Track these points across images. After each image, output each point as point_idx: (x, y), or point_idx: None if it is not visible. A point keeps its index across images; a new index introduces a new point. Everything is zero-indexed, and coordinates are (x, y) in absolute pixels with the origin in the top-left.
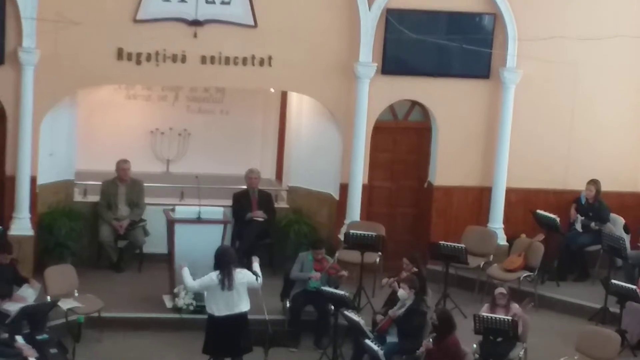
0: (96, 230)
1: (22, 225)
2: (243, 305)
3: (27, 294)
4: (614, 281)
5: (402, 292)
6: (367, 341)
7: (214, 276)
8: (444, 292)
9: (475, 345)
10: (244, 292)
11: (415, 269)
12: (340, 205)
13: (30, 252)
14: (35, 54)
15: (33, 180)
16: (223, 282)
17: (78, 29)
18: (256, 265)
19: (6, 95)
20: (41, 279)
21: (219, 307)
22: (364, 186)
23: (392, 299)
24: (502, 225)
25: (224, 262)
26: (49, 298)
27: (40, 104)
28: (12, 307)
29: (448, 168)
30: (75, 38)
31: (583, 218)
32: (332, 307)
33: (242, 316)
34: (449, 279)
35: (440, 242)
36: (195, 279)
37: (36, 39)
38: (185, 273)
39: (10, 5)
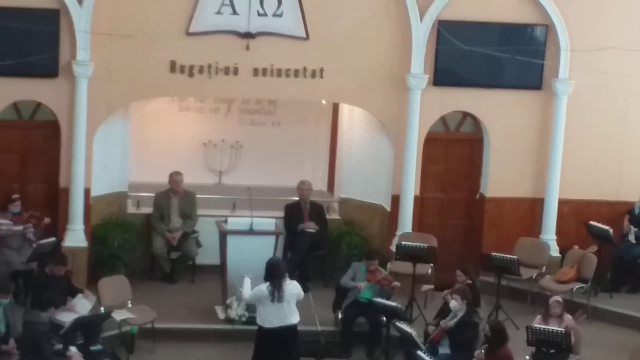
0: (149, 242)
1: (76, 237)
2: (293, 318)
3: (81, 305)
4: None
5: (454, 304)
6: (419, 352)
7: (263, 288)
8: (496, 304)
9: (527, 357)
10: (294, 304)
11: (468, 281)
12: (391, 217)
13: (84, 263)
14: (89, 66)
15: (87, 192)
16: (273, 294)
17: (131, 41)
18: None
19: (60, 108)
20: (95, 290)
21: (269, 319)
22: (415, 197)
23: (444, 310)
24: (555, 237)
25: (275, 274)
26: (102, 309)
27: (94, 116)
28: (66, 318)
29: (500, 179)
30: (129, 51)
31: (636, 229)
32: (384, 319)
33: (292, 328)
34: (501, 291)
35: (492, 253)
36: (247, 276)
37: (90, 51)
38: (247, 284)
39: (64, 18)
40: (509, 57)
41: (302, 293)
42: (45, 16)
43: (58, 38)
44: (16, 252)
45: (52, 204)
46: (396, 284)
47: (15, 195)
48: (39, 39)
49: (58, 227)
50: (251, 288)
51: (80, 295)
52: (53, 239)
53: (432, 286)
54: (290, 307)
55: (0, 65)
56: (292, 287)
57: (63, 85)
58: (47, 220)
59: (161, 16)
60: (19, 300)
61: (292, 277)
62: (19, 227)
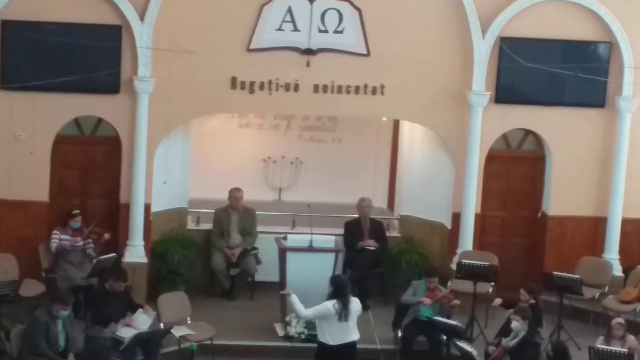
0: (209, 258)
1: (136, 253)
2: (354, 334)
3: (141, 321)
4: None
5: (515, 323)
6: None
7: (329, 305)
8: (558, 324)
9: None
10: (355, 321)
11: (532, 300)
12: (452, 235)
13: (144, 279)
14: (150, 82)
15: (147, 207)
16: (341, 312)
17: (192, 58)
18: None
19: (121, 124)
20: (154, 306)
21: (334, 336)
22: (476, 215)
23: (505, 330)
24: (618, 256)
25: (343, 292)
26: (162, 325)
27: (155, 132)
28: (126, 334)
29: (562, 198)
30: (190, 67)
31: None
32: (445, 337)
33: (352, 345)
34: (563, 310)
35: (554, 272)
36: (307, 307)
37: (151, 67)
38: (294, 300)
39: (126, 34)
40: (572, 74)
41: (361, 308)
42: (108, 32)
43: (120, 54)
44: (76, 268)
45: (113, 220)
46: (456, 302)
47: (76, 211)
48: (101, 55)
49: (118, 243)
50: (299, 302)
51: (140, 310)
52: (113, 254)
53: (501, 300)
54: (353, 324)
55: (62, 81)
56: (355, 304)
57: (124, 101)
58: (107, 236)
59: (222, 32)
60: (79, 315)
61: (353, 295)
62: (80, 243)
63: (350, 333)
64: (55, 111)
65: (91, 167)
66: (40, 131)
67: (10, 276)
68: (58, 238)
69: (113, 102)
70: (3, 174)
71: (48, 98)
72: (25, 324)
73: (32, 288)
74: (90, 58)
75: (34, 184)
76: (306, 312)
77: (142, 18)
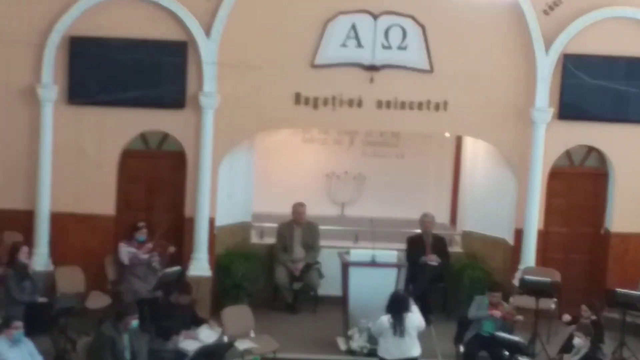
0: (272, 272)
1: (200, 266)
2: (414, 350)
3: (206, 335)
4: None
5: (577, 340)
6: None
7: (385, 319)
8: (621, 341)
9: None
10: (415, 337)
11: (593, 317)
12: (514, 251)
13: (208, 292)
14: (215, 98)
15: (211, 221)
16: (395, 327)
17: (257, 73)
18: (415, 309)
19: (187, 138)
20: (218, 320)
21: (391, 351)
22: (539, 232)
23: (568, 346)
24: None
25: (397, 308)
26: (225, 338)
27: (219, 147)
28: (190, 347)
29: (625, 215)
30: (254, 82)
31: None
32: (507, 353)
33: None
34: (626, 327)
35: (617, 289)
36: (369, 322)
37: (216, 83)
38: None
39: (192, 50)
40: (635, 91)
41: (423, 324)
42: (174, 48)
43: (186, 70)
44: (142, 280)
45: (177, 234)
46: (519, 318)
47: (141, 223)
48: (167, 71)
49: (183, 256)
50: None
51: (205, 325)
52: (178, 267)
53: (570, 317)
54: (411, 340)
55: (129, 97)
56: (413, 320)
57: (190, 116)
58: (172, 249)
59: (287, 48)
60: (144, 328)
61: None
62: (145, 256)
63: (408, 349)
64: (121, 126)
65: (157, 181)
66: (107, 146)
67: (77, 288)
68: (127, 250)
69: (179, 117)
70: (71, 188)
71: (115, 113)
72: (91, 337)
73: (98, 300)
74: (156, 74)
75: (100, 198)
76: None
77: (207, 34)
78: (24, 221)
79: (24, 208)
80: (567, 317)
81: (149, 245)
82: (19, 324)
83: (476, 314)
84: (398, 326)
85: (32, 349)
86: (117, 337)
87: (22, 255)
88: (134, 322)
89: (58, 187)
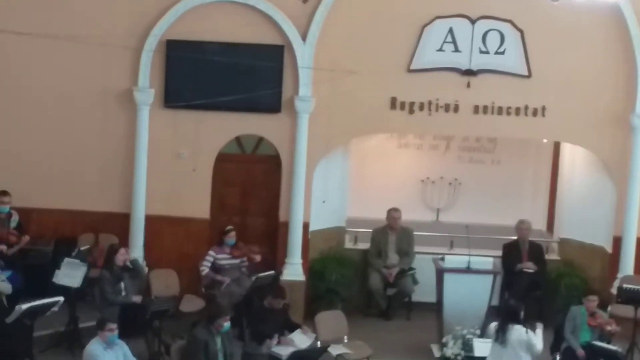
0: (366, 278)
1: (294, 271)
2: None
3: (300, 340)
4: None
5: None
6: None
7: (492, 325)
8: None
9: None
10: (519, 352)
11: None
12: (612, 259)
13: (301, 297)
14: (310, 102)
15: (305, 226)
16: (497, 334)
17: (353, 78)
18: (538, 332)
19: (282, 143)
20: (311, 324)
21: (492, 358)
22: (638, 239)
23: None
24: None
25: (504, 317)
26: (319, 343)
27: (314, 152)
28: (284, 351)
29: None
30: (350, 87)
31: None
32: None
33: None
34: None
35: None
36: (464, 329)
37: (312, 87)
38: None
39: (288, 55)
40: None
41: (538, 347)
42: (270, 52)
43: (282, 74)
44: (236, 284)
45: (271, 238)
46: (616, 328)
47: (229, 227)
48: (263, 75)
49: (277, 261)
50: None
51: (299, 330)
52: (272, 272)
53: None
54: (514, 353)
55: (225, 101)
56: (519, 334)
57: (285, 120)
58: (257, 258)
59: (383, 53)
60: (241, 332)
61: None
62: (236, 261)
63: None
64: (217, 130)
65: (251, 185)
66: (202, 149)
67: (171, 292)
68: (212, 260)
69: (274, 121)
70: (166, 191)
71: (210, 117)
72: (185, 340)
73: (192, 304)
74: (252, 77)
75: (195, 201)
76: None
77: (304, 38)
78: (119, 224)
79: (119, 211)
80: None
81: (237, 251)
82: (113, 326)
83: (569, 338)
84: (501, 335)
85: (127, 351)
86: (210, 340)
87: (121, 257)
88: (226, 325)
89: (153, 190)
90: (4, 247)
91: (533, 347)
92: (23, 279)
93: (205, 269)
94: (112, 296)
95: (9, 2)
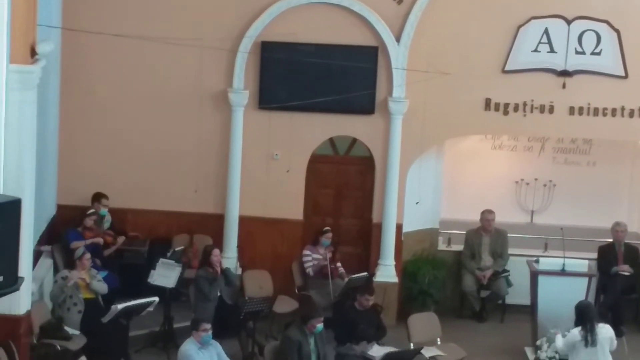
0: (459, 280)
1: (387, 272)
2: None
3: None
4: None
5: None
6: None
7: (576, 332)
8: None
9: None
10: (607, 350)
11: None
12: None
13: (394, 299)
14: (404, 103)
15: (398, 227)
16: (586, 337)
17: (447, 79)
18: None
19: (375, 144)
20: (404, 326)
21: None
22: None
23: None
24: None
25: (586, 317)
26: (412, 345)
27: (408, 153)
28: (376, 353)
29: None
30: (444, 88)
31: None
32: None
33: None
34: None
35: None
36: (558, 332)
37: (405, 89)
38: (558, 338)
39: (382, 56)
40: None
41: (615, 340)
42: (364, 53)
43: (375, 75)
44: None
45: (365, 239)
46: None
47: (327, 228)
48: (357, 76)
49: (370, 262)
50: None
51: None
52: (365, 273)
53: None
54: (604, 353)
55: (319, 102)
56: (606, 331)
57: (378, 121)
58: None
59: (477, 54)
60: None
61: (605, 321)
62: (326, 262)
63: None
64: (311, 131)
65: (344, 186)
66: (296, 150)
67: (265, 292)
68: (312, 258)
69: (368, 122)
70: (260, 193)
71: (304, 118)
72: (278, 341)
73: (285, 304)
74: (346, 79)
75: (289, 203)
76: (560, 344)
77: (398, 40)
78: (214, 225)
79: (214, 212)
80: None
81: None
82: (207, 326)
83: None
84: (590, 336)
85: (221, 351)
86: (304, 340)
87: (214, 259)
88: (319, 326)
89: (247, 191)
90: (100, 240)
91: (613, 341)
92: (119, 279)
93: (309, 268)
94: (209, 290)
95: (108, 5)
